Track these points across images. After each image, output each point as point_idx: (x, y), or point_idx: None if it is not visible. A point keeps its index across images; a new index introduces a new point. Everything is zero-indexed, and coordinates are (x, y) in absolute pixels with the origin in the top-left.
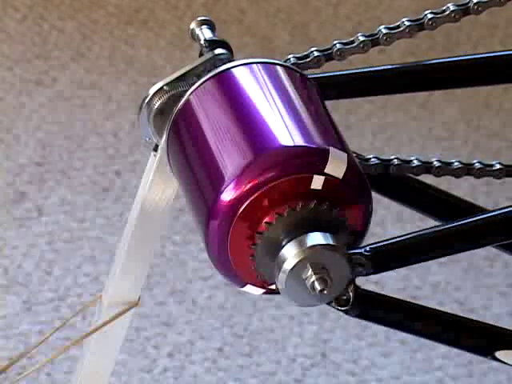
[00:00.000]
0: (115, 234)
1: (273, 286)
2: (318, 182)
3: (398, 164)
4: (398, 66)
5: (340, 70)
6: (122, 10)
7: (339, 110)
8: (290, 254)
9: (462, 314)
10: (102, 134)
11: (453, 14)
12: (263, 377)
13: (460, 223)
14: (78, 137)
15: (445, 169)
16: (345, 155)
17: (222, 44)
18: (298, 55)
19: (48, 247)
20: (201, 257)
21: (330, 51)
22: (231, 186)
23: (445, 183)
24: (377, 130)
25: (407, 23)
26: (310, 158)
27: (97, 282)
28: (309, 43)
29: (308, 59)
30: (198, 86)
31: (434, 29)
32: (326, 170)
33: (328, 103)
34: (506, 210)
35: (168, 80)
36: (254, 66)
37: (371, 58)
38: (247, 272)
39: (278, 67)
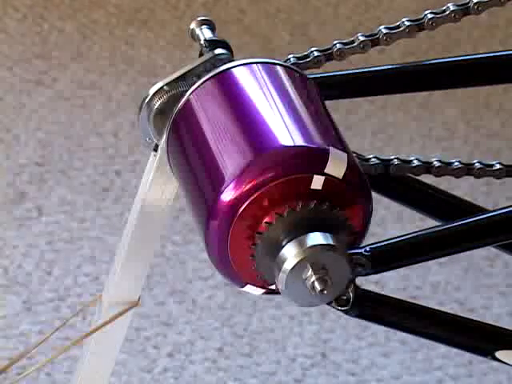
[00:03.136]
0: (115, 234)
1: (273, 286)
2: (318, 182)
3: (397, 164)
4: (397, 66)
5: (340, 70)
6: (122, 9)
7: (339, 110)
8: (290, 254)
9: (461, 314)
10: (101, 134)
11: (453, 14)
12: (263, 377)
13: (460, 223)
14: (78, 137)
15: (445, 169)
16: (345, 155)
17: (222, 44)
18: (298, 55)
19: (48, 247)
20: (201, 257)
21: (329, 51)
22: (231, 186)
23: (445, 183)
24: (377, 130)
25: (407, 23)
26: (310, 158)
27: (97, 282)
28: (309, 43)
29: (308, 59)
30: (198, 86)
31: (433, 29)
32: (326, 170)
33: (328, 103)
34: (506, 210)
35: (168, 80)
36: (254, 65)
37: (371, 58)
38: (247, 272)
39: (278, 67)
